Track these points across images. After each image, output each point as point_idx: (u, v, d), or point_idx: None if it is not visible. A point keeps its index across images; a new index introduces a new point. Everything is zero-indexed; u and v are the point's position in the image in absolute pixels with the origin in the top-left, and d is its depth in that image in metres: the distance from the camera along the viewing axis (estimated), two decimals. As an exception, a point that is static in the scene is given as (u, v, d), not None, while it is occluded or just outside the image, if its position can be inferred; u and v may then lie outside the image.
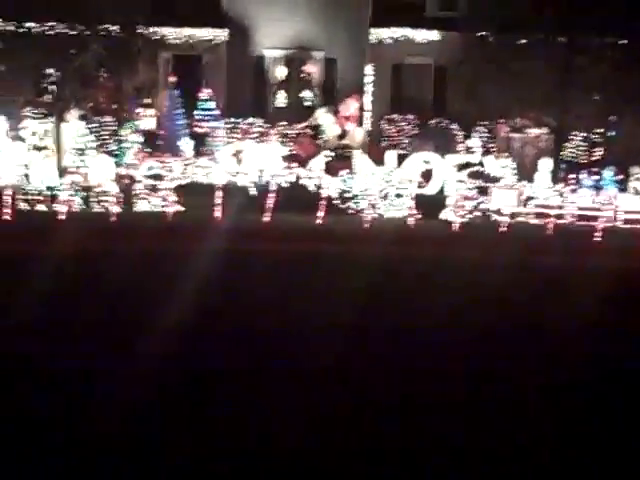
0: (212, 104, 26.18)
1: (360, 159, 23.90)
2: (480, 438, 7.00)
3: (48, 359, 8.67)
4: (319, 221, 20.72)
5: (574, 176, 23.47)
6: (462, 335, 10.24)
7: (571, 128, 26.04)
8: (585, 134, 26.42)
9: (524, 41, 25.19)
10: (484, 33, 25.77)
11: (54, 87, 24.62)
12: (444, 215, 21.93)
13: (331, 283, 13.39)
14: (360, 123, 27.84)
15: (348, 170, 22.52)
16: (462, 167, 23.02)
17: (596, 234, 20.65)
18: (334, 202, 21.41)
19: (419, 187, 22.38)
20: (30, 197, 21.02)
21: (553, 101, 24.75)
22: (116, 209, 20.54)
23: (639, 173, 24.08)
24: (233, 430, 6.93)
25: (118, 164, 22.50)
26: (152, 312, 10.55)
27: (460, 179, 22.33)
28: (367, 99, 28.87)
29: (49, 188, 21.22)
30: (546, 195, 22.34)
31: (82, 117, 24.53)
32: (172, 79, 26.66)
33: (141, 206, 21.24)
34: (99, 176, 21.50)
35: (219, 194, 20.62)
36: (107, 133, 24.72)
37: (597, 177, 24.03)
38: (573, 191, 22.58)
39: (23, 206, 20.87)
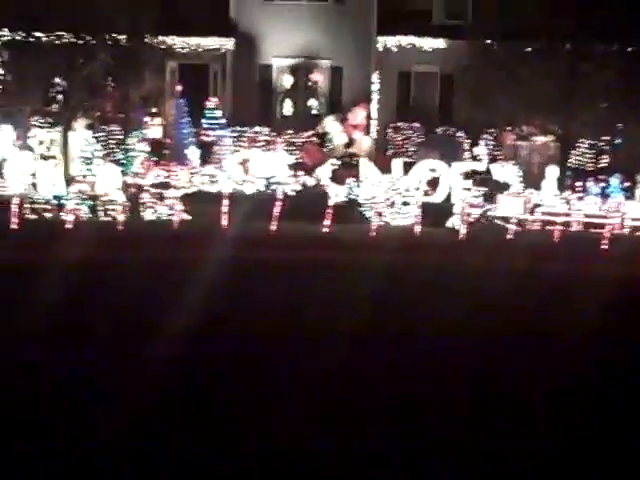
0: (219, 113, 26.26)
1: (367, 167, 23.92)
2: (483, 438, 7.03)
3: (60, 366, 8.74)
4: (326, 229, 20.74)
5: (581, 183, 23.45)
6: (471, 341, 10.28)
7: (577, 135, 26.04)
8: (591, 141, 26.42)
9: (530, 49, 25.21)
10: (490, 41, 25.82)
11: (61, 96, 24.71)
12: (451, 223, 21.94)
13: (338, 290, 13.42)
14: (367, 131, 27.88)
15: (355, 178, 22.54)
16: (468, 175, 23.02)
17: (603, 242, 20.62)
18: (341, 209, 21.44)
19: (426, 195, 22.39)
20: (37, 206, 21.07)
21: (559, 108, 24.75)
22: (123, 218, 20.59)
23: (646, 180, 24.07)
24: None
25: (125, 173, 22.55)
26: (160, 319, 10.59)
27: (466, 187, 22.33)
28: (373, 107, 28.91)
29: (56, 197, 21.27)
30: (553, 203, 22.34)
31: (89, 126, 24.61)
32: (179, 88, 26.73)
33: (148, 215, 21.29)
34: (106, 185, 21.55)
35: (226, 202, 20.66)
36: (114, 142, 24.81)
37: (604, 184, 24.00)
38: (580, 199, 22.57)
39: (30, 215, 20.92)
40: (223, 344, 9.87)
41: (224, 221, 20.54)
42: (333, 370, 8.77)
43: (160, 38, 26.54)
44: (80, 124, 24.64)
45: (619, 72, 24.17)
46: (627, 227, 22.01)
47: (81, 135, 24.12)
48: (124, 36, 24.52)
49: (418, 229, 21.22)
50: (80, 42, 24.23)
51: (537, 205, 22.27)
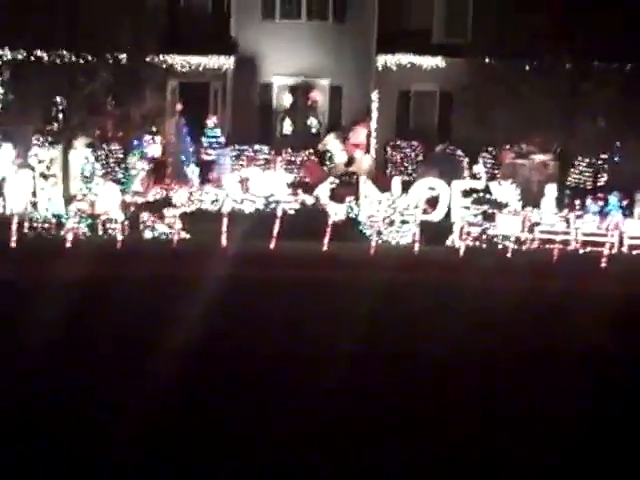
0: (218, 131, 26.33)
1: (366, 186, 23.94)
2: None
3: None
4: (325, 248, 20.75)
5: (579, 202, 23.48)
6: (470, 359, 10.30)
7: (576, 153, 26.08)
8: (590, 159, 26.46)
9: (529, 67, 25.28)
10: (489, 59, 25.88)
11: (61, 115, 24.76)
12: (450, 241, 21.97)
13: (338, 308, 13.43)
14: (368, 150, 27.93)
15: (353, 197, 22.59)
16: (467, 193, 23.06)
17: (602, 260, 20.63)
18: (340, 228, 21.47)
19: (425, 213, 22.42)
20: (37, 225, 21.07)
21: (558, 127, 24.80)
22: (122, 236, 20.59)
23: (645, 199, 24.09)
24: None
25: (125, 191, 22.59)
26: (159, 336, 10.60)
27: (465, 205, 22.37)
28: (373, 126, 28.97)
29: (55, 216, 21.29)
30: (552, 221, 22.37)
31: (89, 145, 24.65)
32: (179, 106, 26.79)
33: (147, 233, 21.29)
34: (105, 203, 21.58)
35: (225, 221, 20.68)
36: (114, 160, 24.87)
37: (602, 203, 24.01)
38: (578, 217, 22.60)
39: (30, 234, 20.91)
40: (222, 361, 9.88)
41: (224, 239, 20.56)
42: (332, 387, 8.78)
43: (161, 57, 26.60)
44: (80, 143, 24.67)
45: (618, 90, 24.22)
46: (626, 245, 22.02)
47: (81, 154, 24.15)
48: (125, 55, 24.58)
49: (417, 247, 21.23)
50: (81, 61, 24.28)
51: (536, 223, 22.30)
